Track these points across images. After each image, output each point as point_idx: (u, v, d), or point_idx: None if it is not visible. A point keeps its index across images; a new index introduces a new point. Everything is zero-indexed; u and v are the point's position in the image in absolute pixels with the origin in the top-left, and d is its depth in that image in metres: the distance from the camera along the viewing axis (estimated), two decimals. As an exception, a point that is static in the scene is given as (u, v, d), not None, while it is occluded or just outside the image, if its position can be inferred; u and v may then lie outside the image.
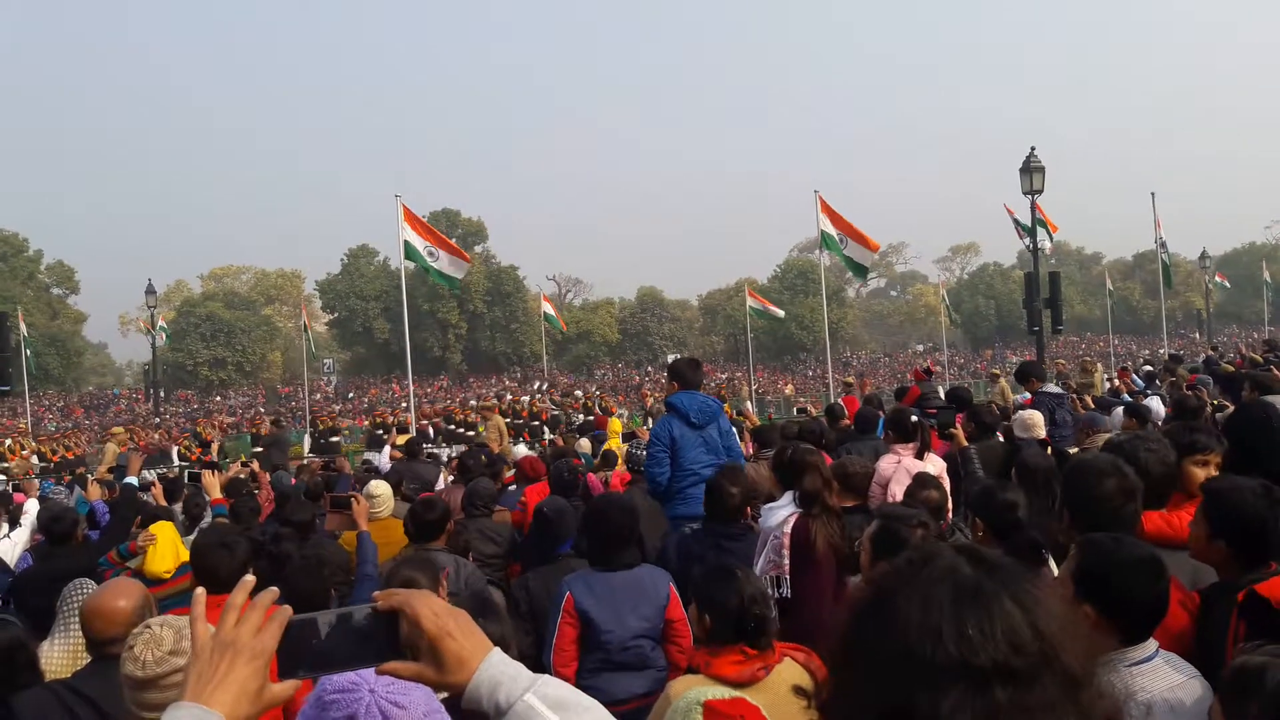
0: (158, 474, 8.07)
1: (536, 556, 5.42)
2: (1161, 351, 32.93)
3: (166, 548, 6.22)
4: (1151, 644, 2.39)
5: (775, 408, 35.50)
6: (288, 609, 1.27)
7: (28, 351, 32.82)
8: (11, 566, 6.97)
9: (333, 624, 1.29)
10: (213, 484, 7.35)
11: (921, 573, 1.08)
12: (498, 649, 1.31)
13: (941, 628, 1.01)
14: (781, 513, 4.55)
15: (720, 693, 2.48)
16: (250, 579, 1.29)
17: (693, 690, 2.51)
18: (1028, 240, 22.00)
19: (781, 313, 42.65)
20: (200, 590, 1.31)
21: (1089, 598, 2.34)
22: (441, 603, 1.31)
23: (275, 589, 1.28)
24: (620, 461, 10.52)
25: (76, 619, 4.10)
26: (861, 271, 23.24)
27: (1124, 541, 2.57)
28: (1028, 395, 10.08)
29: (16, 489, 12.75)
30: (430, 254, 17.74)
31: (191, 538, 6.24)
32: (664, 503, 6.42)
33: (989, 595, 1.04)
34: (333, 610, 1.31)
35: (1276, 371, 8.88)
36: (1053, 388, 9.31)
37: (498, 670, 1.28)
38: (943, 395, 12.21)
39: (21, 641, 3.52)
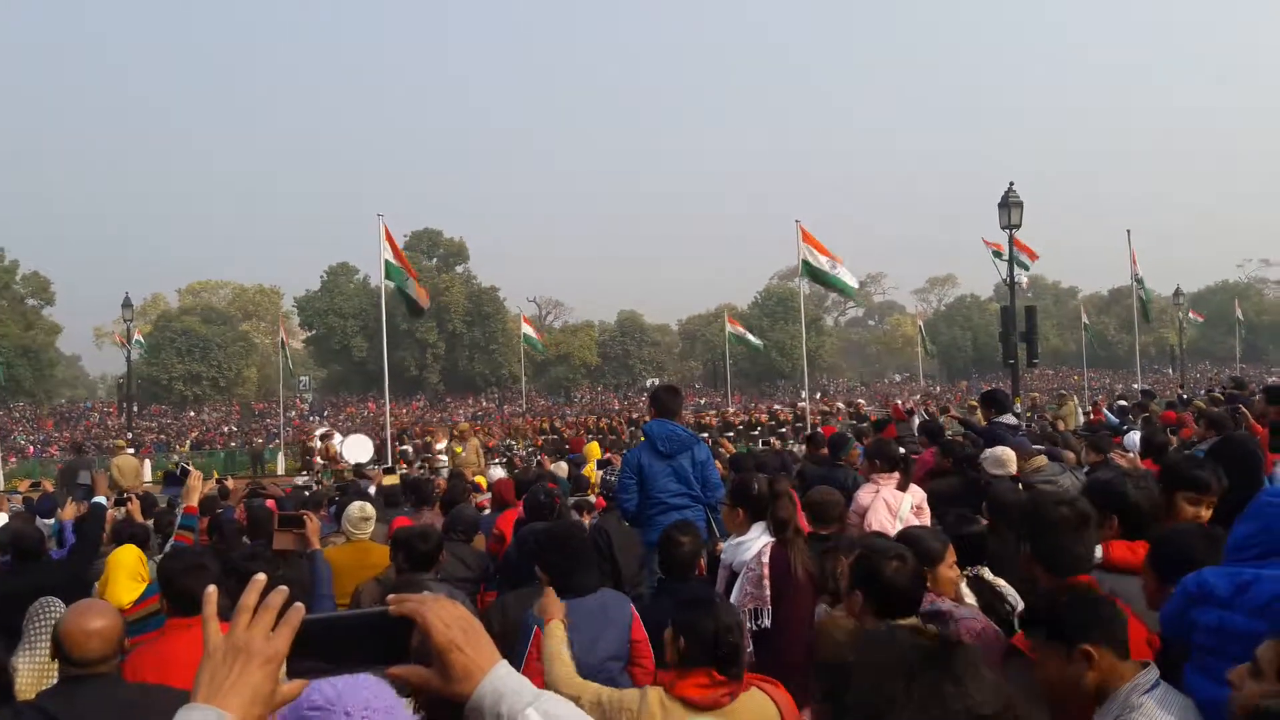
0: (132, 493, 8.00)
1: (517, 579, 5.43)
2: (1135, 386, 33.22)
3: (122, 575, 6.12)
4: (1154, 670, 2.42)
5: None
6: (300, 608, 1.28)
7: (-1, 362, 32.44)
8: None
9: (343, 626, 1.33)
10: (194, 489, 6.94)
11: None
12: (504, 662, 1.33)
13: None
14: (755, 545, 4.57)
15: None
16: (262, 578, 1.29)
17: None
18: (1008, 273, 22.23)
19: (759, 342, 42.77)
20: (211, 589, 1.31)
21: (1083, 640, 2.39)
22: (453, 611, 1.33)
23: (285, 588, 1.28)
24: (594, 487, 10.55)
25: (45, 638, 4.06)
26: (853, 290, 23.68)
27: (1069, 588, 2.67)
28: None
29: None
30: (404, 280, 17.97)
31: (157, 559, 6.15)
32: (639, 528, 6.45)
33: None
34: (344, 612, 1.34)
35: (1245, 410, 8.93)
36: (1009, 419, 9.02)
37: (502, 683, 1.30)
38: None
39: None
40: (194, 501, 6.45)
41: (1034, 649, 2.52)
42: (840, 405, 34.09)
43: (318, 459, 20.71)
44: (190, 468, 7.14)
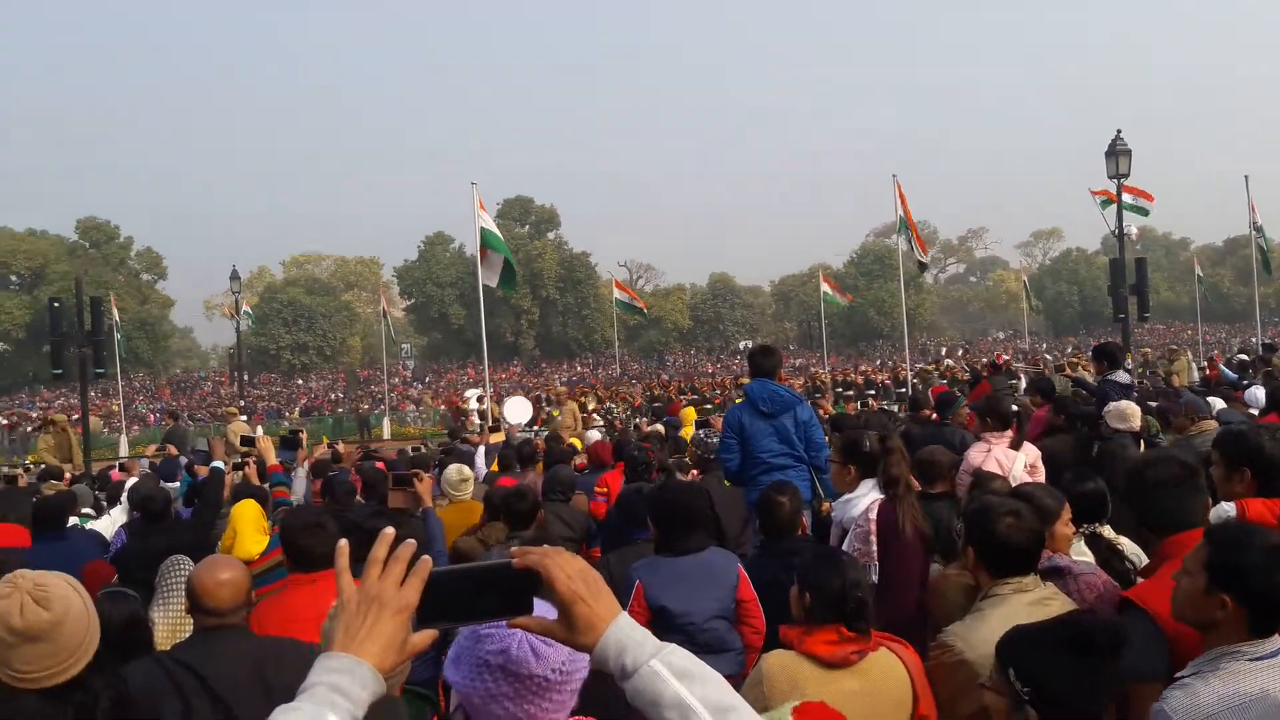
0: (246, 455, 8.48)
1: (618, 539, 5.49)
2: (1255, 340, 31.76)
3: (248, 527, 6.41)
4: (1277, 639, 2.27)
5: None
6: (428, 560, 1.32)
7: (119, 336, 33.87)
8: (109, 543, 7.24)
9: (469, 578, 1.37)
10: (268, 449, 7.67)
11: None
12: (626, 614, 1.36)
13: None
14: (864, 501, 4.52)
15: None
16: (390, 531, 1.33)
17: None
18: (1117, 224, 21.33)
19: (846, 300, 42.00)
20: (343, 543, 1.36)
21: (1226, 588, 2.24)
22: (575, 564, 1.36)
23: (413, 541, 1.33)
24: (689, 449, 10.54)
25: (177, 593, 4.27)
26: (920, 266, 24.08)
27: (1255, 530, 2.43)
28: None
29: (121, 467, 13.26)
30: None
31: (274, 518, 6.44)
32: (742, 488, 6.45)
33: None
34: (469, 564, 1.39)
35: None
36: (1123, 376, 8.56)
37: (625, 634, 1.33)
38: (1021, 387, 11.88)
39: (140, 618, 3.67)
40: (272, 459, 7.60)
41: (1191, 566, 2.36)
42: (984, 360, 33.63)
43: (474, 419, 21.36)
44: (255, 436, 8.34)
